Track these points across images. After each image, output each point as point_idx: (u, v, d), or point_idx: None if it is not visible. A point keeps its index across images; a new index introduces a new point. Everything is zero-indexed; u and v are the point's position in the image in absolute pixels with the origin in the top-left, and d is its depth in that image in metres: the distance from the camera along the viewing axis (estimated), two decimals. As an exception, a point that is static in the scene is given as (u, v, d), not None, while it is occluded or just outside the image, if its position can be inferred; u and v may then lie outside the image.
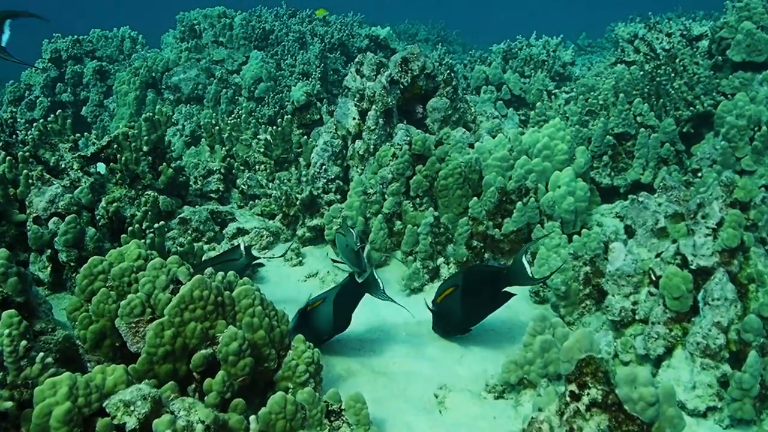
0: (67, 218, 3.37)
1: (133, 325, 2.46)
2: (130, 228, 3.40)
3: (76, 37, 8.63)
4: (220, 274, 2.77)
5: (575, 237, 3.26)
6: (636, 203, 3.13)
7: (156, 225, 3.40)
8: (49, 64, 8.43)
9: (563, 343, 2.63)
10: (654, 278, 2.75)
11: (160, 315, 2.43)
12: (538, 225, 3.82)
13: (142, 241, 3.37)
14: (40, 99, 8.26)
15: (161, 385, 2.31)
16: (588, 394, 1.84)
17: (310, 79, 7.61)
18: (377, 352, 3.11)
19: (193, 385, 2.47)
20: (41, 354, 2.06)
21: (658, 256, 2.81)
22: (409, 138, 4.22)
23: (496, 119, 5.20)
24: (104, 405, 1.95)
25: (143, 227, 3.70)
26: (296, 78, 7.81)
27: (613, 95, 4.93)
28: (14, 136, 4.26)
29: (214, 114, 6.83)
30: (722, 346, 2.47)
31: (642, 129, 4.53)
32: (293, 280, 3.90)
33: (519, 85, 6.94)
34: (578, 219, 3.96)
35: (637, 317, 2.78)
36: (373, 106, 4.63)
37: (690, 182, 4.09)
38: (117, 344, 2.55)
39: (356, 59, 5.06)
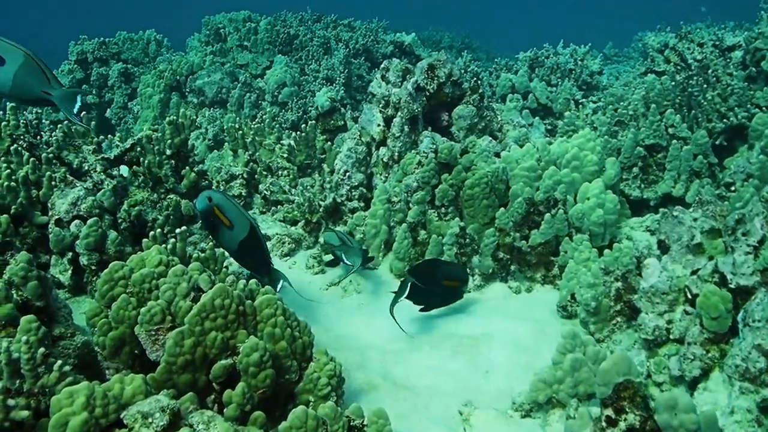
0: (89, 221, 3.33)
1: (153, 332, 2.40)
2: (151, 232, 3.35)
3: (102, 39, 8.65)
4: (242, 282, 2.71)
5: (606, 251, 3.16)
6: (670, 217, 3.03)
7: (178, 230, 3.34)
8: (75, 65, 8.45)
9: (594, 362, 2.55)
10: (690, 296, 2.65)
11: (181, 323, 2.37)
12: (567, 237, 3.73)
13: (164, 246, 3.32)
14: (65, 100, 8.26)
15: (180, 396, 2.26)
16: (625, 419, 1.76)
17: (334, 84, 7.56)
18: (400, 365, 3.04)
19: (213, 396, 2.41)
20: (59, 362, 2.01)
21: (694, 273, 2.71)
22: (435, 146, 4.15)
23: (523, 128, 5.12)
24: (122, 416, 1.89)
25: (165, 231, 3.64)
26: (320, 83, 7.76)
27: (644, 106, 4.83)
28: (39, 137, 4.23)
29: (237, 118, 6.80)
30: (763, 370, 2.36)
31: (674, 141, 4.43)
32: (315, 288, 3.84)
33: (545, 93, 6.84)
34: (607, 232, 3.86)
35: (671, 336, 2.68)
36: (399, 113, 4.57)
37: (723, 196, 3.99)
38: (136, 352, 2.49)
39: (382, 65, 5.00)
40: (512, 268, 3.76)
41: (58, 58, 8.85)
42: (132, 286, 2.52)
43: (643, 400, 1.76)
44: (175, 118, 4.13)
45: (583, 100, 6.87)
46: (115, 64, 8.48)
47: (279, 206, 4.53)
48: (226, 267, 3.47)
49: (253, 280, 2.76)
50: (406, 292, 3.28)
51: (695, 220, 2.91)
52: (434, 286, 3.41)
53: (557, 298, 3.47)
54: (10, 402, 1.86)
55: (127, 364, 2.50)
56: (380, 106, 4.78)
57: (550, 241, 3.74)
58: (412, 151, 4.34)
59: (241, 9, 8.97)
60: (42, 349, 1.97)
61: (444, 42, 15.02)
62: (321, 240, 4.03)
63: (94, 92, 8.38)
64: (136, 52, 9.04)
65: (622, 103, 5.17)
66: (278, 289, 3.20)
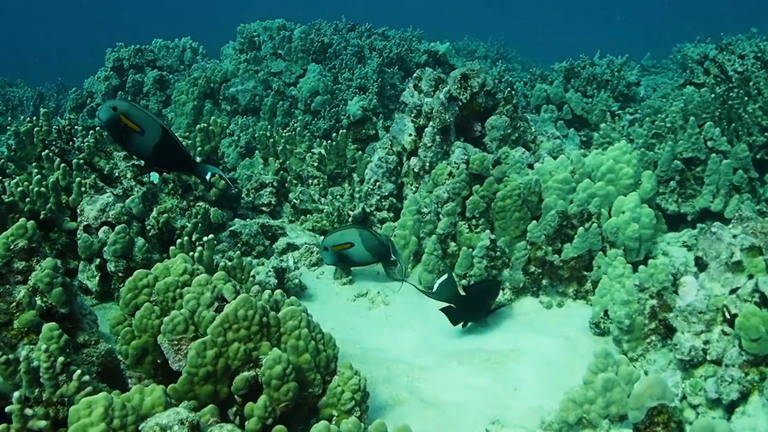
0: (117, 228, 3.32)
1: (176, 342, 2.37)
2: (179, 240, 3.33)
3: (138, 46, 8.73)
4: (267, 292, 2.67)
5: (641, 267, 3.07)
6: (708, 234, 2.93)
7: (205, 238, 3.33)
8: (111, 72, 8.53)
9: (627, 382, 2.46)
10: (728, 316, 2.55)
11: (204, 333, 2.34)
12: (600, 252, 3.64)
13: (191, 253, 3.30)
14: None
15: (201, 407, 2.22)
16: (659, 445, 1.68)
17: (367, 93, 7.54)
18: (426, 380, 2.97)
19: (235, 408, 2.37)
20: (78, 371, 1.98)
21: (733, 292, 2.61)
22: (467, 157, 4.08)
23: (557, 139, 5.03)
24: (140, 428, 1.86)
25: (193, 239, 3.63)
26: (353, 92, 7.74)
27: (682, 118, 4.71)
28: (71, 143, 4.25)
29: (269, 126, 6.79)
30: (805, 395, 2.27)
31: (713, 154, 4.31)
32: (342, 299, 3.79)
33: (581, 105, 6.74)
34: (642, 247, 3.76)
35: (708, 357, 2.58)
36: (430, 123, 4.51)
37: (764, 212, 3.87)
38: (159, 361, 2.47)
39: (415, 74, 4.96)
40: (544, 282, 3.68)
41: (96, 64, 8.97)
42: (156, 294, 2.50)
43: (678, 425, 1.69)
44: (206, 125, 4.12)
45: (620, 111, 6.75)
46: (151, 72, 8.54)
47: (308, 215, 4.49)
48: (253, 276, 3.44)
49: (278, 291, 2.71)
50: (435, 296, 3.30)
51: (734, 236, 2.81)
52: (480, 309, 3.42)
53: (590, 314, 3.38)
54: (28, 411, 1.83)
55: (149, 374, 2.48)
56: (412, 115, 4.73)
57: (584, 255, 3.65)
58: (443, 161, 4.28)
59: (278, 18, 9.00)
60: (62, 358, 1.94)
61: (479, 52, 14.95)
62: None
63: (128, 98, 8.45)
64: (171, 60, 9.11)
65: (659, 115, 5.06)
66: (209, 179, 3.24)
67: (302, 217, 4.52)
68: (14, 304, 2.27)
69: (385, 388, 2.88)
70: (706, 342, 2.61)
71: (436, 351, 3.21)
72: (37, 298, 2.47)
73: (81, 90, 8.60)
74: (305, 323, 2.45)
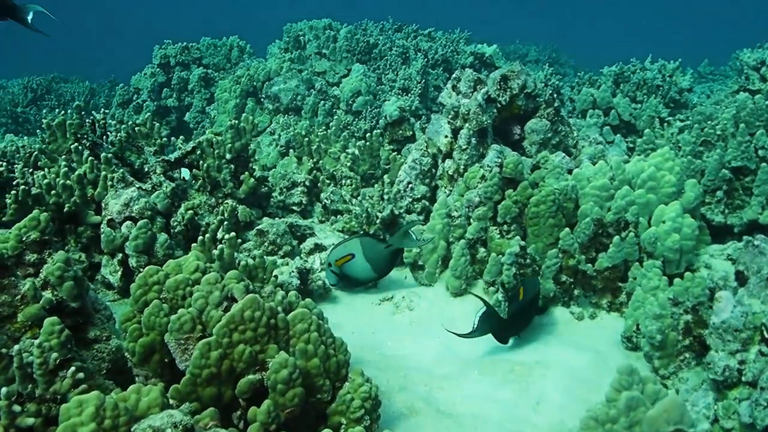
0: (139, 223, 3.29)
1: (182, 341, 2.31)
2: (200, 237, 3.28)
3: (185, 44, 8.78)
4: (281, 293, 2.59)
5: (676, 280, 2.90)
6: (750, 247, 2.76)
7: (227, 236, 3.27)
8: (158, 69, 8.60)
9: (653, 402, 2.31)
10: (767, 336, 2.38)
11: (211, 334, 2.27)
12: (637, 263, 3.47)
13: (212, 251, 3.24)
14: (146, 103, 8.44)
15: (204, 409, 2.15)
16: (675, 475, 1.54)
17: (410, 94, 7.44)
18: (445, 390, 2.85)
19: (239, 412, 2.29)
20: (73, 368, 1.92)
21: (772, 310, 2.44)
22: (500, 160, 3.95)
23: (600, 145, 4.86)
24: (132, 429, 1.80)
25: (220, 237, 3.58)
26: (395, 93, 7.66)
27: (733, 125, 4.50)
28: (105, 137, 4.24)
29: (310, 125, 6.75)
30: None
31: (763, 164, 4.10)
32: (367, 302, 3.70)
33: (629, 110, 6.54)
34: (683, 259, 3.59)
35: (744, 379, 2.41)
36: (466, 125, 4.39)
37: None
38: (166, 360, 2.41)
39: (453, 75, 4.84)
40: (576, 292, 3.53)
41: (143, 61, 9.06)
42: (166, 291, 2.44)
43: (698, 454, 1.55)
44: (236, 122, 4.07)
45: (669, 118, 6.52)
46: (196, 69, 8.58)
47: (339, 216, 4.41)
48: (275, 276, 3.37)
49: (292, 292, 2.64)
50: (478, 334, 3.08)
51: (778, 251, 2.63)
52: (528, 317, 3.29)
53: (623, 328, 3.22)
54: (15, 408, 1.78)
55: (156, 373, 2.42)
56: (449, 117, 4.62)
57: (619, 265, 3.49)
58: (477, 164, 4.16)
59: (325, 18, 8.97)
60: (55, 354, 1.89)
61: (530, 56, 14.76)
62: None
63: (174, 96, 8.50)
64: (218, 58, 9.14)
65: (709, 122, 4.86)
66: (29, 20, 3.11)
67: (332, 217, 4.44)
68: (18, 296, 2.22)
69: (400, 396, 2.77)
70: (742, 362, 2.44)
71: (457, 360, 3.09)
72: (47, 292, 2.43)
73: (128, 86, 8.69)
74: (315, 327, 2.36)
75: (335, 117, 6.94)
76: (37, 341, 1.90)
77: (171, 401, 2.21)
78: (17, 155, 4.12)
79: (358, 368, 2.40)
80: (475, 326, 3.04)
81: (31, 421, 1.80)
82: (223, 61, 9.18)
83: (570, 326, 3.39)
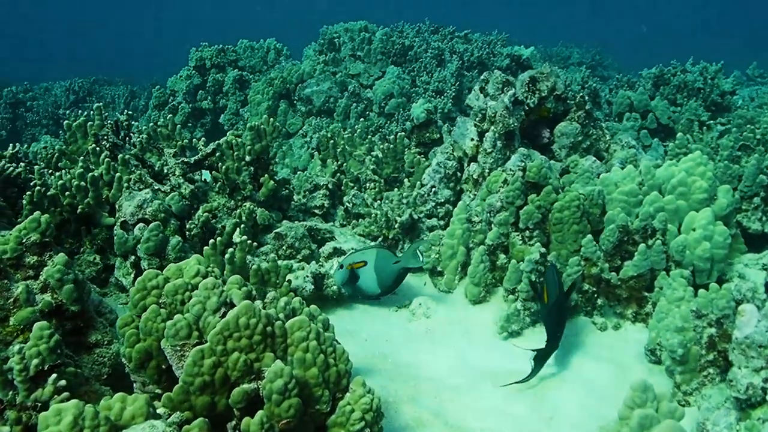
0: (150, 225, 3.26)
1: (179, 348, 2.25)
2: (211, 240, 3.23)
3: (220, 46, 8.81)
4: (284, 299, 2.53)
5: (701, 291, 2.76)
6: (781, 257, 2.61)
7: (238, 239, 3.22)
8: (194, 71, 8.64)
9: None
10: (792, 353, 2.24)
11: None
12: (663, 272, 3.33)
13: (226, 255, 3.19)
14: (182, 105, 8.48)
15: (198, 418, 2.09)
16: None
17: (443, 97, 7.34)
18: (456, 402, 2.75)
19: (233, 422, 2.23)
20: (54, 375, 1.88)
21: (800, 325, 2.29)
22: (523, 164, 3.82)
23: (632, 149, 4.69)
24: (114, 440, 1.75)
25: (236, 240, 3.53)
26: (429, 96, 7.56)
27: (774, 129, 4.32)
28: (128, 138, 4.24)
29: (340, 128, 6.70)
30: None
31: (804, 170, 3.92)
32: (384, 309, 3.61)
33: (667, 113, 6.34)
34: (714, 268, 3.43)
35: None
36: (492, 127, 4.28)
37: None
38: (163, 366, 2.35)
39: (482, 77, 4.73)
40: (599, 302, 3.40)
41: (180, 63, 9.11)
42: (165, 296, 2.39)
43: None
44: (256, 123, 4.03)
45: (710, 121, 6.31)
46: (231, 71, 8.59)
47: (360, 219, 4.33)
48: (288, 281, 3.31)
49: (296, 299, 2.57)
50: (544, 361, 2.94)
51: (809, 262, 2.48)
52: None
53: (647, 340, 3.08)
54: (-7, 416, 1.74)
55: (153, 379, 2.37)
56: (477, 119, 4.51)
57: (644, 274, 3.35)
58: (499, 168, 4.05)
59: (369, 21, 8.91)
60: (35, 361, 1.84)
61: (573, 58, 14.52)
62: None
63: (209, 98, 8.53)
64: (255, 60, 9.14)
65: (749, 126, 4.67)
66: None
67: (354, 221, 4.36)
68: (11, 300, 2.19)
69: (409, 407, 2.68)
70: (767, 380, 2.30)
71: (471, 371, 2.99)
72: (47, 295, 2.40)
73: (164, 88, 8.75)
74: (314, 335, 2.28)
75: (361, 120, 6.87)
76: (17, 347, 1.86)
77: (163, 410, 2.16)
78: (38, 156, 4.13)
79: (359, 378, 2.32)
80: (533, 366, 2.90)
81: (5, 430, 1.75)
82: (260, 63, 9.18)
83: (591, 337, 3.26)
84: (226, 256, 3.11)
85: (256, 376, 2.20)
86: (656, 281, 3.34)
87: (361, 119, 7.13)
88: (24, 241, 2.41)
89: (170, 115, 4.26)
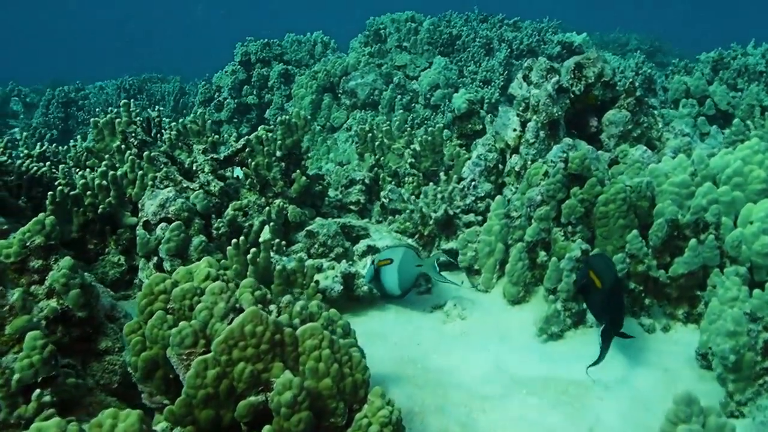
0: (171, 225, 3.15)
1: (185, 357, 2.13)
2: (234, 240, 3.10)
3: (266, 40, 8.74)
4: (300, 303, 2.38)
5: (756, 292, 2.52)
6: None
7: (262, 239, 3.09)
8: (239, 66, 8.59)
9: (715, 439, 1.97)
10: None
11: (216, 349, 2.08)
12: (717, 270, 3.08)
13: (249, 255, 3.07)
14: (227, 101, 8.44)
15: (202, 432, 1.97)
16: None
17: (491, 86, 7.13)
18: (487, 412, 2.57)
19: (241, 437, 2.10)
20: (38, 391, 1.77)
21: None
22: (565, 154, 3.60)
23: (686, 137, 4.41)
24: (101, 458, 1.63)
25: (264, 239, 3.41)
26: (477, 86, 7.35)
27: (840, 113, 3.99)
28: (159, 135, 4.15)
29: (379, 120, 6.54)
30: None
31: None
32: (417, 309, 3.44)
33: (727, 99, 6.00)
34: (774, 265, 3.16)
35: (829, 413, 2.04)
36: (534, 117, 4.07)
37: None
38: (171, 376, 2.23)
39: (525, 64, 4.51)
40: (646, 301, 3.17)
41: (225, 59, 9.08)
42: (173, 301, 2.27)
43: None
44: (287, 117, 3.90)
45: (774, 107, 5.95)
46: (276, 65, 8.51)
47: (397, 216, 4.17)
48: (316, 282, 3.17)
49: (314, 303, 2.42)
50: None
51: None
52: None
53: (698, 343, 2.85)
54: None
55: (160, 390, 2.25)
56: (519, 108, 4.30)
57: (696, 272, 3.10)
58: (540, 160, 3.83)
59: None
60: (17, 376, 1.74)
61: (631, 44, 14.09)
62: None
63: (254, 93, 8.47)
64: (301, 54, 9.04)
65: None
66: None
67: (390, 217, 4.20)
68: (7, 307, 2.09)
69: (435, 418, 2.50)
70: (829, 393, 2.06)
71: (506, 378, 2.79)
72: (53, 300, 2.31)
73: (210, 84, 8.73)
74: (327, 343, 2.13)
75: (399, 111, 6.69)
76: (10, 357, 1.76)
77: (165, 424, 2.04)
78: (68, 155, 4.08)
79: (378, 389, 2.15)
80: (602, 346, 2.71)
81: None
82: (306, 57, 9.09)
83: (638, 340, 3.03)
84: (249, 256, 2.98)
85: (264, 388, 2.06)
86: (709, 279, 3.10)
87: (400, 111, 6.96)
88: (28, 244, 2.32)
89: (201, 110, 4.15)
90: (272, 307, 2.38)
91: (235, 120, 8.40)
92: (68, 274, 2.32)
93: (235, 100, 8.44)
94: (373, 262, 3.33)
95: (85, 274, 2.62)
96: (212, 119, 8.54)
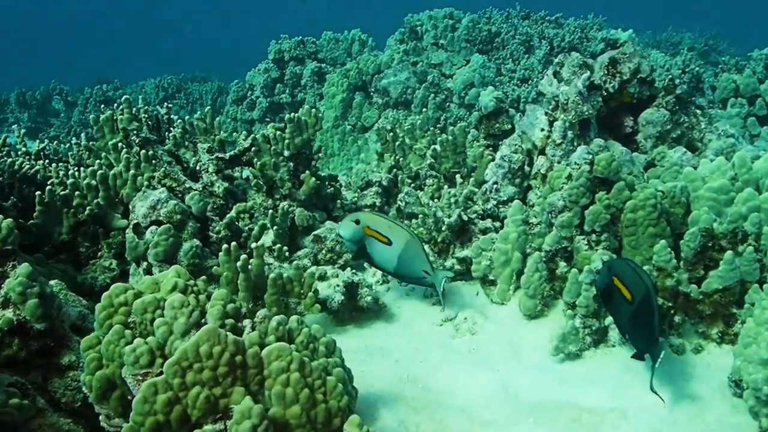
0: (160, 229, 2.96)
1: (140, 378, 1.92)
2: (224, 246, 2.90)
3: (300, 38, 8.56)
4: (277, 319, 2.15)
5: (794, 314, 2.21)
6: None
7: (254, 245, 2.88)
8: (272, 64, 8.43)
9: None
10: None
11: (174, 369, 1.86)
12: (756, 285, 2.76)
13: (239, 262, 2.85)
14: (259, 99, 8.29)
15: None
16: None
17: (528, 84, 6.83)
18: (490, 441, 2.31)
19: (199, 470, 1.88)
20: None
21: None
22: (591, 156, 3.30)
23: (731, 138, 4.06)
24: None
25: (261, 244, 3.20)
26: (515, 84, 7.05)
27: None
28: (167, 132, 3.98)
29: (401, 119, 6.30)
30: None
31: None
32: (427, 322, 3.19)
33: (780, 98, 5.60)
34: (823, 281, 2.83)
35: None
36: (562, 115, 3.78)
37: None
38: (129, 397, 2.03)
39: (556, 59, 4.23)
40: (676, 319, 2.86)
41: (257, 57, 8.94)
42: (134, 315, 2.07)
43: None
44: (296, 115, 3.68)
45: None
46: (310, 63, 8.33)
47: (414, 219, 3.91)
48: (315, 291, 2.95)
49: (294, 317, 2.19)
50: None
51: None
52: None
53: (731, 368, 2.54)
54: None
55: (117, 412, 2.04)
56: (549, 107, 4.02)
57: (732, 287, 2.79)
58: (562, 162, 3.55)
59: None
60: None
61: (684, 43, 13.55)
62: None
63: (287, 91, 8.31)
64: (338, 52, 8.85)
65: None
66: None
67: (407, 221, 3.95)
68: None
69: (431, 446, 2.26)
70: None
71: (513, 401, 2.52)
72: (9, 311, 2.13)
73: (243, 82, 8.59)
74: (297, 365, 1.90)
75: (425, 111, 6.42)
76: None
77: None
78: (70, 153, 3.93)
79: (355, 418, 1.91)
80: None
81: None
82: (343, 55, 8.89)
83: (665, 362, 2.72)
84: (239, 263, 2.77)
85: (222, 416, 1.84)
86: (747, 296, 2.78)
87: (424, 109, 6.71)
88: (-16, 249, 2.14)
89: (208, 107, 3.96)
90: (246, 322, 2.16)
91: (268, 119, 8.24)
92: (25, 282, 2.14)
93: (268, 99, 8.29)
94: (357, 221, 3.07)
95: (53, 282, 2.45)
96: (244, 118, 8.40)
